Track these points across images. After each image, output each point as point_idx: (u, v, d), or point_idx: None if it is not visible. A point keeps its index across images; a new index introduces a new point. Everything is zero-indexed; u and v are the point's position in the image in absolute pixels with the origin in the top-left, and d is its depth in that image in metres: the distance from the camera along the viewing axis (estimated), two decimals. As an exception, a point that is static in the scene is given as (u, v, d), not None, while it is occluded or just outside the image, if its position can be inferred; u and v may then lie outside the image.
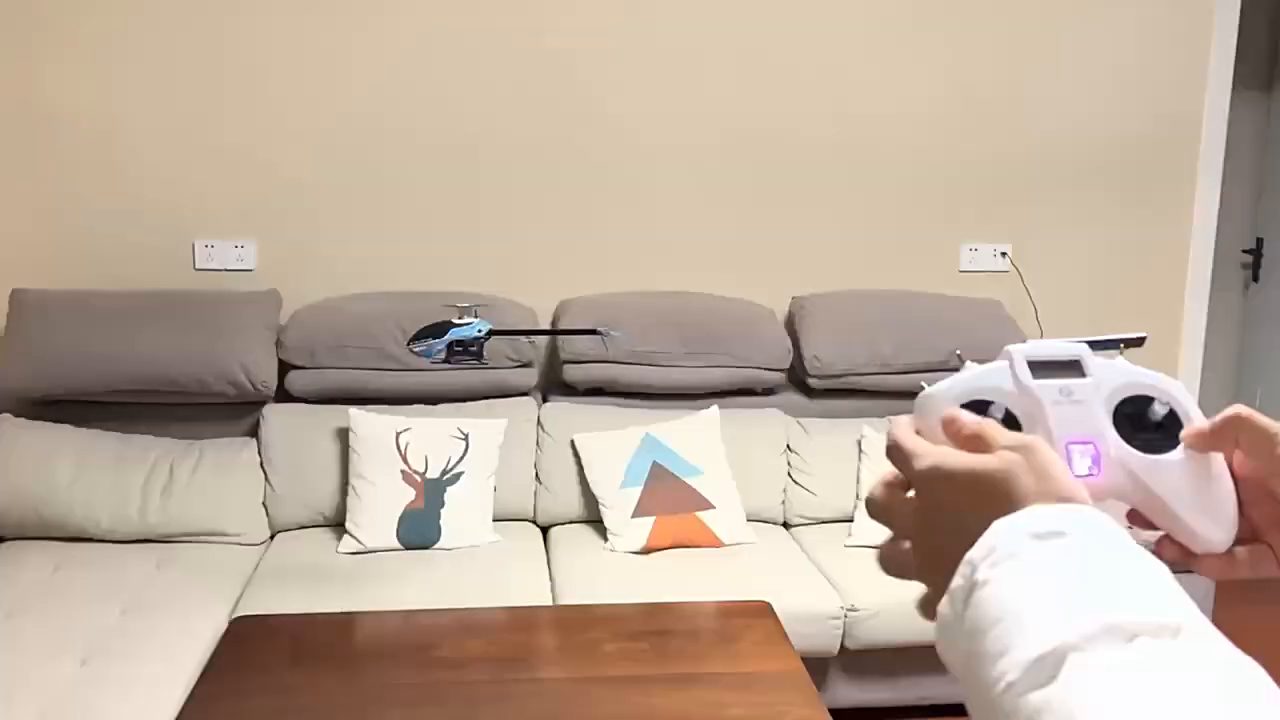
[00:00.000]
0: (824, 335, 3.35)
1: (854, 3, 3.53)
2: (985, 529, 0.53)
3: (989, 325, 3.44)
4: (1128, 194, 3.78)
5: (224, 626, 2.49)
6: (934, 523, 0.59)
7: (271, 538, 3.10)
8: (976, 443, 0.59)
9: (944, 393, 0.66)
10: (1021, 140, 3.69)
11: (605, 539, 3.04)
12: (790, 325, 3.49)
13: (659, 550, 2.99)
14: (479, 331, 2.53)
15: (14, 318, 3.11)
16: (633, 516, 3.01)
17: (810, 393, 3.45)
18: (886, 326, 3.36)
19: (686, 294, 3.48)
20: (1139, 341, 0.71)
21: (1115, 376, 0.67)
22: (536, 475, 3.20)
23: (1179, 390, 0.67)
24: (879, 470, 3.19)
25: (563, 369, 3.30)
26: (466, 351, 2.51)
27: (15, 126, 3.31)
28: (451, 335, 2.53)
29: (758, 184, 3.59)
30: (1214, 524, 0.64)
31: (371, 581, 2.77)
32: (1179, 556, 0.66)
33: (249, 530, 3.03)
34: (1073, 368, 0.67)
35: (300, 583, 2.75)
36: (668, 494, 3.05)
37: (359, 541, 2.94)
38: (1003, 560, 0.51)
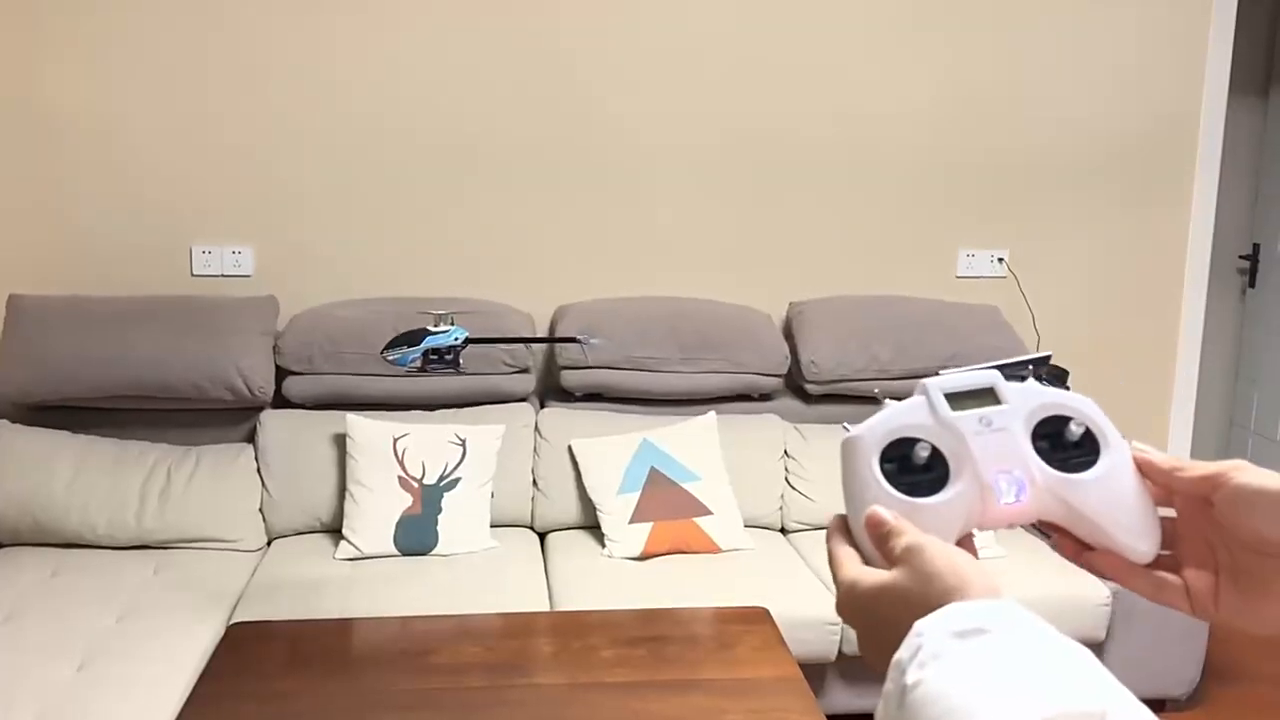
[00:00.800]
0: (821, 340, 3.35)
1: (852, 6, 3.53)
2: (900, 638, 0.55)
3: (986, 331, 3.44)
4: (1125, 199, 3.78)
5: (221, 632, 2.49)
6: (861, 633, 0.62)
7: (269, 544, 3.09)
8: (889, 550, 0.62)
9: (867, 434, 0.66)
10: (1019, 145, 3.69)
11: (603, 545, 3.04)
12: (788, 330, 3.49)
13: (656, 556, 2.99)
14: (455, 339, 2.51)
15: (11, 322, 3.11)
16: (630, 522, 3.01)
17: (807, 398, 3.45)
18: (884, 332, 3.37)
19: (684, 299, 3.48)
20: (1045, 360, 0.74)
21: (1029, 400, 0.67)
22: (534, 481, 3.20)
23: (1091, 408, 0.68)
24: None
25: (560, 375, 3.30)
26: (442, 360, 2.48)
27: (13, 130, 3.31)
28: (427, 343, 2.50)
29: (756, 188, 3.60)
30: (1139, 537, 0.66)
31: (368, 587, 2.76)
32: (1074, 554, 0.68)
33: (246, 536, 3.03)
34: (988, 395, 0.67)
35: (297, 588, 2.75)
36: (665, 500, 3.05)
37: (356, 547, 2.94)
38: (929, 661, 0.52)
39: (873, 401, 3.43)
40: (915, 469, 0.65)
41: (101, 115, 3.33)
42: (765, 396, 3.44)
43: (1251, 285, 4.59)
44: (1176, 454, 0.71)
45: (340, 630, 2.38)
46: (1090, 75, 3.68)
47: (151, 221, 3.40)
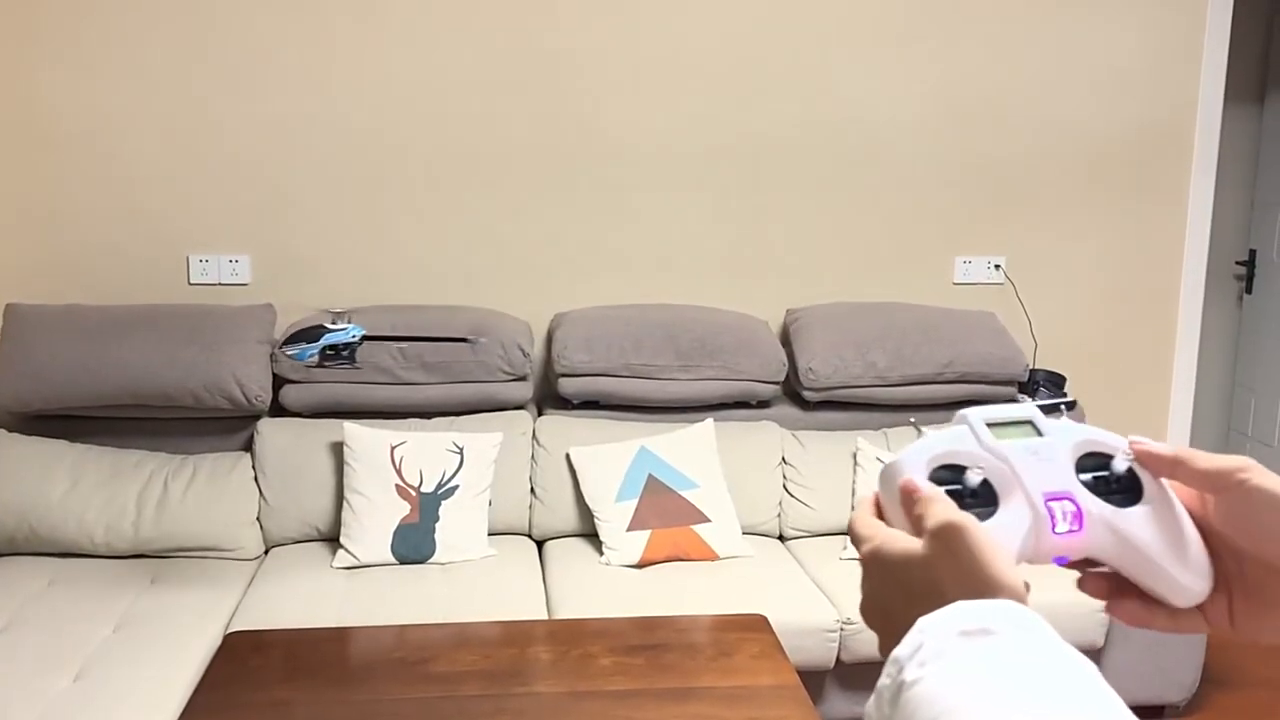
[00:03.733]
0: (819, 347, 3.35)
1: (849, 14, 3.54)
2: (911, 622, 0.52)
3: (983, 337, 3.45)
4: (1122, 205, 3.79)
5: (218, 641, 2.48)
6: (872, 607, 0.60)
7: (266, 552, 3.09)
8: (917, 518, 0.59)
9: (910, 461, 0.64)
10: (1015, 151, 3.70)
11: (600, 552, 3.04)
12: (785, 337, 3.49)
13: (654, 564, 2.99)
14: (352, 336, 2.55)
15: (8, 332, 3.11)
16: (628, 530, 3.01)
17: (805, 405, 3.45)
18: (881, 338, 3.37)
19: (681, 306, 3.48)
20: (1072, 405, 0.72)
21: (1069, 435, 0.66)
22: (531, 489, 3.20)
23: (1127, 446, 0.67)
24: (875, 483, 3.19)
25: (557, 382, 3.30)
26: (339, 356, 2.53)
27: (10, 139, 3.31)
28: (325, 340, 2.54)
29: (753, 195, 3.60)
30: (1195, 575, 0.63)
31: (366, 596, 2.76)
32: (1103, 594, 0.66)
33: (243, 545, 3.02)
34: (1028, 427, 0.66)
35: (294, 597, 2.75)
36: (663, 507, 3.04)
37: (353, 556, 2.94)
38: (930, 659, 0.50)
39: (869, 408, 3.43)
40: (961, 496, 0.63)
41: (99, 124, 3.33)
42: (763, 404, 3.44)
43: (1249, 291, 4.60)
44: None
45: (338, 639, 2.37)
46: (1086, 81, 3.69)
47: (148, 230, 3.40)
